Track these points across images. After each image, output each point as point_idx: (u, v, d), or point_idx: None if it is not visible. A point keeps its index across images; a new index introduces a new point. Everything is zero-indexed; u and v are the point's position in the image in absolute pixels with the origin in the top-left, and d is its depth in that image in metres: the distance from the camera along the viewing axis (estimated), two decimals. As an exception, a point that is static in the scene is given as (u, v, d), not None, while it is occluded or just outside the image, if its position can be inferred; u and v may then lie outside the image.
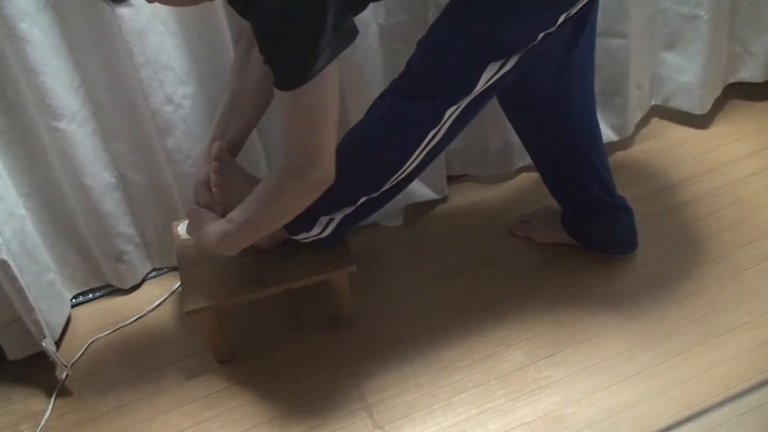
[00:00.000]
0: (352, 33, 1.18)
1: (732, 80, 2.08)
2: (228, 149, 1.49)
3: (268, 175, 1.31)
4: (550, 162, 1.65)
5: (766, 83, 2.08)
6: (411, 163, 1.39)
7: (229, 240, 1.40)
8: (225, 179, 1.45)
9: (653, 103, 2.07)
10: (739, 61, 2.05)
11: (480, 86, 1.31)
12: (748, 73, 2.07)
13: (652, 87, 2.03)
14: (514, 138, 1.91)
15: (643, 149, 2.01)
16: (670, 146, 2.01)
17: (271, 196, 1.33)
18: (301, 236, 1.51)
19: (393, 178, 1.42)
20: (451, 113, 1.34)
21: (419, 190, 1.88)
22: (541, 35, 1.29)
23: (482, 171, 1.98)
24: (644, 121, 2.06)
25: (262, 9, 1.11)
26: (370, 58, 1.64)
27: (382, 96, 1.39)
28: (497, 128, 1.89)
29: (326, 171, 1.27)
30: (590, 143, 1.60)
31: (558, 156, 1.61)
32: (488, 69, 1.29)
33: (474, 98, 1.34)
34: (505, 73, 1.31)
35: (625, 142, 1.99)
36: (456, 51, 1.29)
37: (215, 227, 1.41)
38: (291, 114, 1.22)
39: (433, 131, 1.35)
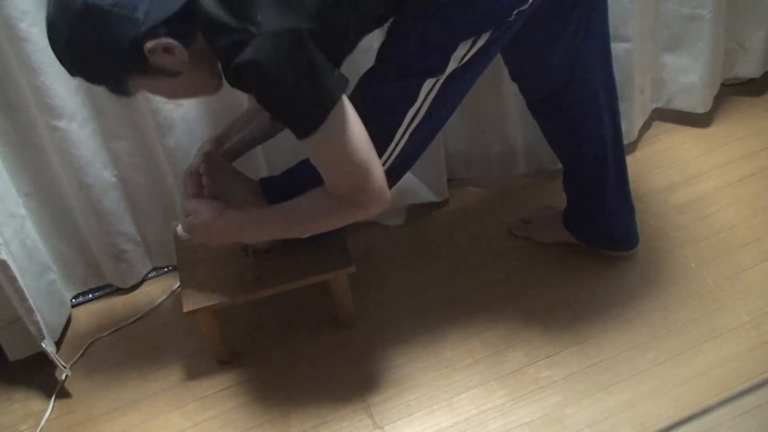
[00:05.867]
0: (343, 80, 1.20)
1: (727, 77, 2.08)
2: (230, 155, 1.51)
3: (315, 191, 1.31)
4: (574, 151, 1.64)
5: (760, 79, 2.08)
6: (396, 145, 1.38)
7: (248, 233, 1.41)
8: (212, 176, 1.45)
9: (654, 106, 2.06)
10: (735, 57, 2.05)
11: (453, 64, 1.31)
12: (744, 69, 2.07)
13: (653, 90, 2.02)
14: (518, 144, 1.92)
15: (643, 150, 2.01)
16: (670, 147, 2.01)
17: (330, 214, 1.32)
18: None
19: (382, 162, 1.41)
20: (428, 91, 1.33)
21: (420, 190, 1.87)
22: (515, 12, 1.28)
23: (484, 175, 1.97)
24: (645, 125, 2.06)
25: (251, 80, 1.14)
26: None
27: (357, 86, 1.39)
28: (499, 133, 1.89)
29: (377, 190, 1.27)
30: (615, 130, 1.59)
31: (582, 144, 1.61)
32: (459, 48, 1.29)
33: (452, 77, 1.33)
34: (480, 50, 1.31)
35: (628, 146, 1.99)
36: (423, 33, 1.29)
37: (228, 216, 1.40)
38: (322, 155, 1.24)
39: (413, 110, 1.34)
